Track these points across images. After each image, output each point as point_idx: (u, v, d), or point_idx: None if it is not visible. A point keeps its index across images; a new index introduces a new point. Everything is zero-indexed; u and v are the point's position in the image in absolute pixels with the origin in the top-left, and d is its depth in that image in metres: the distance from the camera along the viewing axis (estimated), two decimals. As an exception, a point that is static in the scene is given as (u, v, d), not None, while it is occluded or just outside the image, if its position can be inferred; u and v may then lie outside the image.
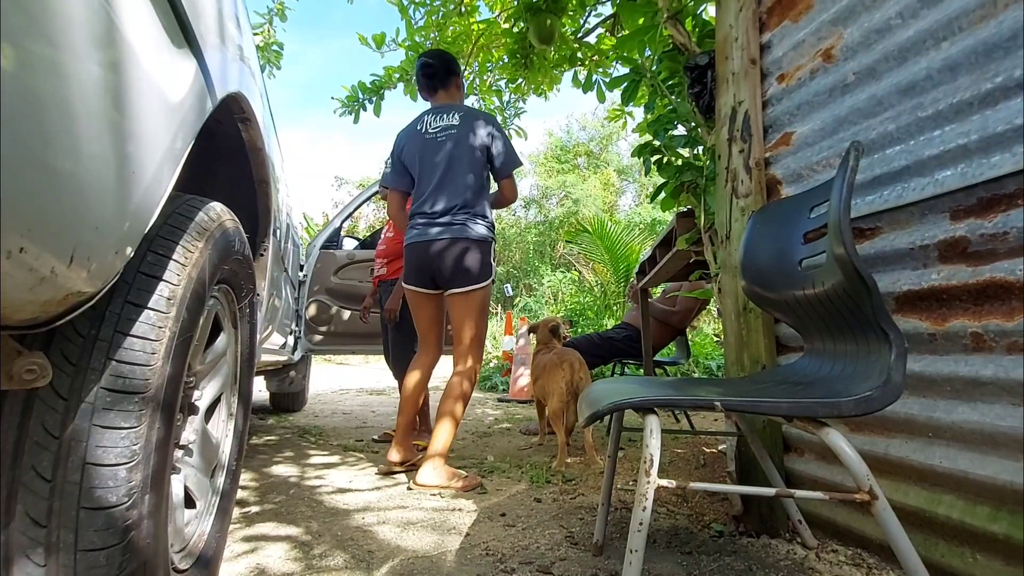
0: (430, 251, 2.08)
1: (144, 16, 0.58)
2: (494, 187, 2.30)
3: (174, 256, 0.76)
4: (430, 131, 2.18)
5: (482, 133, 2.14)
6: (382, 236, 3.15)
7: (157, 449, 0.70)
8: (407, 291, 2.23)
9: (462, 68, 3.81)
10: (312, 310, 3.87)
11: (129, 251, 0.63)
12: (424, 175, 2.17)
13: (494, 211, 2.27)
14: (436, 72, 2.26)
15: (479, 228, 2.10)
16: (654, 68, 2.17)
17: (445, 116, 2.18)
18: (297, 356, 3.63)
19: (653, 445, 0.85)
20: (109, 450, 0.64)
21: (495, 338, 8.84)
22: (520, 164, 2.24)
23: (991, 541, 0.99)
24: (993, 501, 1.01)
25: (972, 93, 1.07)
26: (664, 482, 0.83)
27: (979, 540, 1.02)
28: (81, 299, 0.57)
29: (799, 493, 0.85)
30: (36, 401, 0.63)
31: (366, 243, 4.48)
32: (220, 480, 1.18)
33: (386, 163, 2.68)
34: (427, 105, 2.32)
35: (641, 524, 0.83)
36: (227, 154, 1.33)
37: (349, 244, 4.39)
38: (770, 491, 0.87)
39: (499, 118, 4.41)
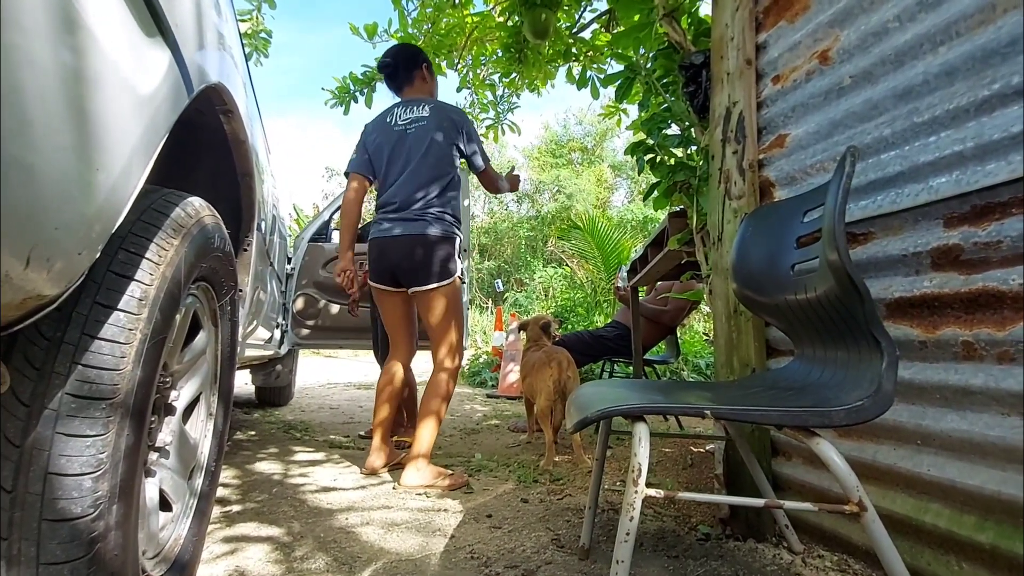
0: (391, 248, 2.05)
1: (110, 3, 0.54)
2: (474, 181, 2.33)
3: (147, 254, 0.73)
4: (399, 123, 2.13)
5: (453, 128, 2.10)
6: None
7: (126, 456, 0.67)
8: (372, 288, 2.19)
9: (455, 62, 3.78)
10: (300, 303, 3.82)
11: (96, 250, 0.60)
12: (391, 168, 2.12)
13: (497, 195, 2.32)
14: (395, 71, 2.24)
15: (441, 225, 2.04)
16: (649, 66, 2.15)
17: (415, 108, 2.14)
18: (284, 350, 3.59)
19: (641, 454, 0.83)
20: (74, 459, 0.61)
21: (485, 333, 8.82)
22: (488, 160, 2.25)
23: (977, 551, 0.99)
24: (980, 511, 1.01)
25: (969, 99, 1.06)
26: (652, 491, 0.82)
27: (965, 549, 1.01)
28: (42, 302, 0.54)
29: (788, 504, 0.84)
30: (-4, 407, 0.60)
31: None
32: (198, 482, 1.15)
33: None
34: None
35: (628, 534, 0.81)
36: (209, 146, 1.29)
37: (338, 237, 4.33)
38: (759, 502, 0.86)
39: (492, 112, 4.37)
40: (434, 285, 2.02)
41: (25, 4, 0.42)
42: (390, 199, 2.10)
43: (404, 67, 2.23)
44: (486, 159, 2.22)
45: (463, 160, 2.19)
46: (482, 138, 4.48)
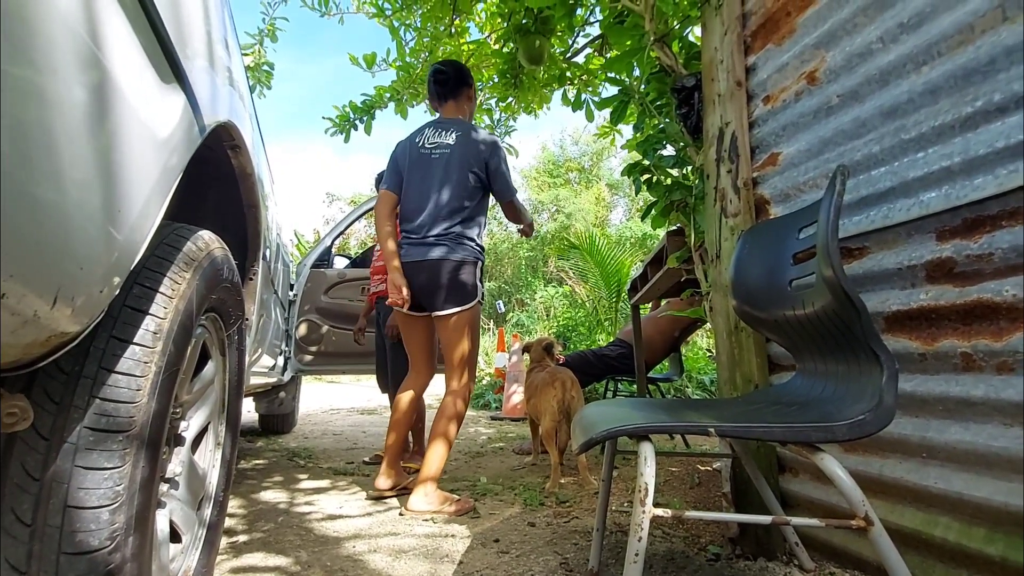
0: (414, 273, 2.06)
1: (132, 55, 0.57)
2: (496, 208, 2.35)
3: (161, 288, 0.75)
4: (426, 145, 2.14)
5: (479, 156, 2.09)
6: (375, 253, 3.15)
7: (141, 488, 0.68)
8: (396, 313, 2.22)
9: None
10: (302, 329, 3.84)
11: (115, 287, 0.62)
12: (413, 190, 2.13)
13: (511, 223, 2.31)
14: (448, 80, 2.23)
15: (464, 250, 2.05)
16: (642, 88, 2.20)
17: (444, 133, 2.14)
18: (287, 377, 3.59)
19: (648, 473, 0.84)
20: (92, 492, 0.62)
21: (487, 354, 8.79)
22: (515, 191, 2.25)
23: (987, 564, 0.99)
24: (989, 523, 1.01)
25: (953, 116, 1.09)
26: (660, 511, 0.83)
27: (976, 562, 1.01)
28: (65, 339, 0.56)
29: (795, 521, 0.84)
30: (17, 442, 0.62)
31: (357, 261, 4.47)
32: (207, 512, 1.15)
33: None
34: (427, 118, 2.35)
35: (637, 555, 0.82)
36: (216, 179, 1.32)
37: (340, 263, 4.37)
38: (766, 519, 0.86)
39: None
40: (456, 309, 2.03)
41: (60, 60, 0.45)
42: (413, 225, 2.09)
43: (456, 80, 2.24)
44: (511, 191, 2.21)
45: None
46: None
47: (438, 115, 2.30)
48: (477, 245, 2.13)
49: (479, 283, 2.11)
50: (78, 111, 0.49)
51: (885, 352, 0.90)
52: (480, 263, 2.13)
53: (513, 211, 2.28)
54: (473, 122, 2.38)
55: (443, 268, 2.02)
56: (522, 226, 2.43)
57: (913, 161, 1.16)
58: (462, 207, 2.07)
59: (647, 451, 0.87)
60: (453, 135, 2.13)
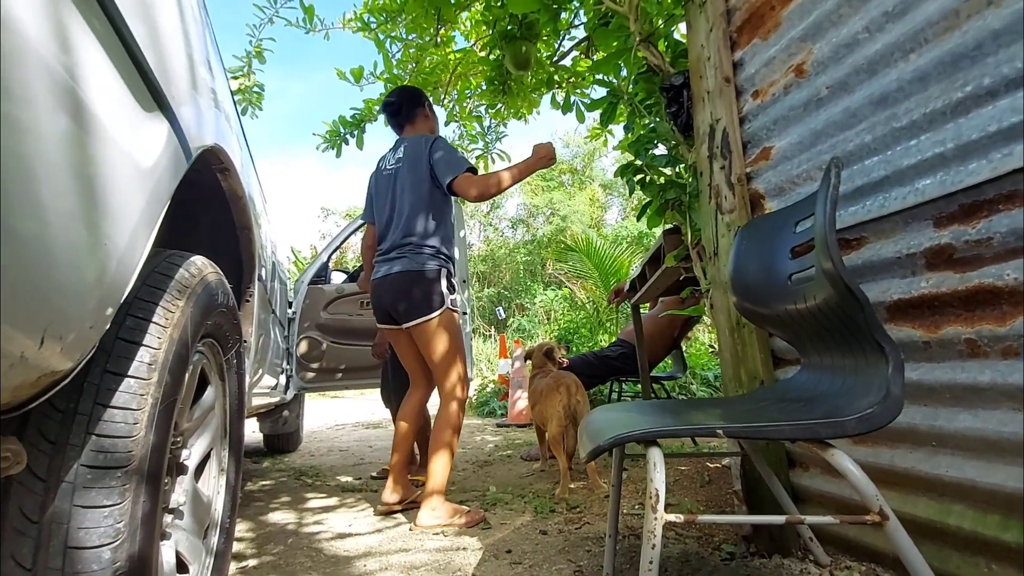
0: (381, 289, 2.10)
1: (110, 85, 0.56)
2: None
3: (154, 318, 0.74)
4: (387, 168, 2.21)
5: (422, 157, 2.09)
6: None
7: (143, 523, 0.67)
8: (384, 330, 2.25)
9: (441, 97, 3.86)
10: (303, 347, 3.82)
11: (106, 322, 0.61)
12: (378, 213, 2.20)
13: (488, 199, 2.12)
14: (398, 110, 2.29)
15: (422, 259, 2.04)
16: (631, 89, 2.20)
17: (398, 150, 2.21)
18: (290, 395, 3.57)
19: (658, 479, 0.83)
20: (92, 531, 0.61)
21: (489, 361, 8.78)
22: (463, 167, 2.04)
23: (1004, 550, 0.98)
24: (1003, 509, 0.99)
25: (944, 102, 1.08)
26: (672, 517, 0.81)
27: (992, 550, 1.00)
28: (56, 377, 0.55)
29: (810, 519, 0.83)
30: (13, 484, 0.60)
31: (354, 276, 4.46)
32: (214, 540, 1.14)
33: None
34: None
35: (651, 562, 0.80)
36: (207, 203, 1.31)
37: (338, 277, 4.36)
38: (779, 519, 0.85)
39: (480, 143, 4.45)
40: (417, 320, 2.02)
41: (35, 94, 0.44)
42: (382, 244, 2.17)
43: (407, 105, 2.29)
44: (457, 166, 2.03)
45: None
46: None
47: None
48: (437, 251, 2.09)
49: (446, 290, 2.07)
50: (57, 146, 0.48)
51: (890, 343, 0.89)
52: (444, 269, 2.09)
53: (475, 185, 2.01)
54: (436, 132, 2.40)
55: (404, 280, 2.04)
56: (500, 181, 2.03)
57: (906, 149, 1.16)
58: (423, 213, 2.08)
59: (656, 456, 0.86)
60: (403, 148, 2.19)
